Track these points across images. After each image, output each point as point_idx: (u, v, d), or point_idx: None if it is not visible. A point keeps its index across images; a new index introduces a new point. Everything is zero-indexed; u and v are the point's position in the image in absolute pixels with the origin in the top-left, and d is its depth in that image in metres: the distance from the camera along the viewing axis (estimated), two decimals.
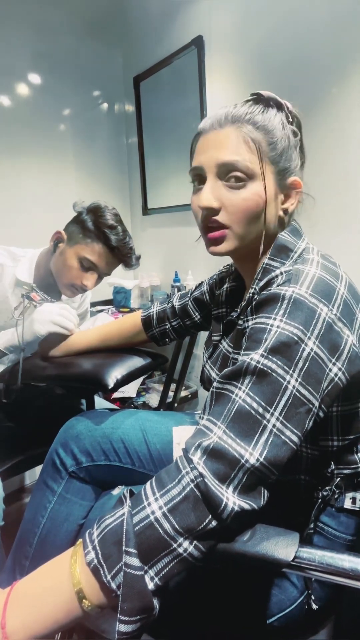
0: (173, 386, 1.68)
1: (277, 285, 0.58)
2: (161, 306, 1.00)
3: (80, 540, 0.49)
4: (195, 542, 0.46)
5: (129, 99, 2.37)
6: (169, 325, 0.98)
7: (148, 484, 0.51)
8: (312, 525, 0.61)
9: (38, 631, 0.45)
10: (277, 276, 0.61)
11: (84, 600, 0.46)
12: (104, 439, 0.84)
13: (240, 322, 0.68)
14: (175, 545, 0.46)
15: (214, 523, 0.47)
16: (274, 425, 0.49)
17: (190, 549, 0.46)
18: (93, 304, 2.06)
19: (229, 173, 0.61)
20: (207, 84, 1.86)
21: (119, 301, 2.21)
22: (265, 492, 0.50)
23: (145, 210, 2.39)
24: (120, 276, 2.13)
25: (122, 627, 0.44)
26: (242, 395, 0.51)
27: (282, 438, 0.49)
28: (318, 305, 0.52)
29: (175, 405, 1.76)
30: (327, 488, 0.62)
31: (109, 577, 0.45)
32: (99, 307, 2.13)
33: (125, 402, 2.03)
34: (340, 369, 0.53)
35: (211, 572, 0.63)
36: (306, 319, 0.52)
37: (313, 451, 0.61)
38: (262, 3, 1.56)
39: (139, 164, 2.36)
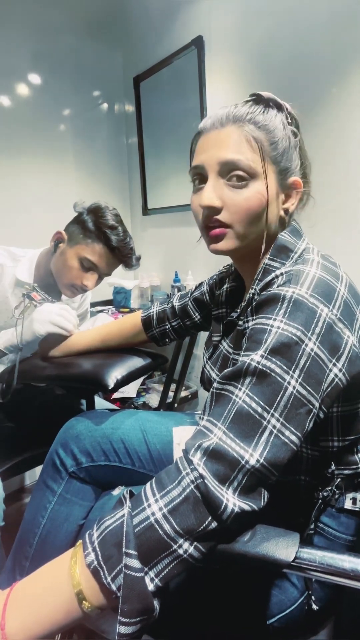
0: (173, 386, 1.68)
1: (278, 286, 0.58)
2: (161, 306, 1.00)
3: (80, 541, 0.49)
4: (195, 543, 0.46)
5: (129, 99, 2.37)
6: (168, 325, 0.98)
7: (148, 485, 0.50)
8: (312, 526, 0.61)
9: (38, 632, 0.45)
10: (277, 277, 0.60)
11: (83, 601, 0.46)
12: (104, 439, 0.84)
13: (240, 322, 0.68)
14: (175, 547, 0.46)
15: (214, 524, 0.47)
16: (274, 426, 0.49)
17: (191, 550, 0.46)
18: (93, 304, 2.06)
19: (230, 172, 0.61)
20: (207, 84, 1.87)
21: (119, 301, 2.21)
22: (266, 493, 0.50)
23: (145, 211, 2.39)
24: (120, 276, 2.13)
25: (123, 629, 0.44)
26: (242, 396, 0.51)
27: (283, 439, 0.49)
28: (318, 306, 0.52)
29: (176, 405, 1.76)
30: (328, 489, 0.62)
31: (109, 579, 0.45)
32: (99, 308, 2.13)
33: (125, 403, 2.03)
34: (340, 370, 0.53)
35: (211, 572, 0.63)
36: (306, 319, 0.51)
37: (313, 452, 0.61)
38: (262, 3, 1.56)
39: (139, 164, 2.36)
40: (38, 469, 0.94)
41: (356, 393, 0.59)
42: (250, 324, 0.58)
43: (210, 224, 0.63)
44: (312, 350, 0.51)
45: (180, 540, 0.46)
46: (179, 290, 2.06)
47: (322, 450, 0.61)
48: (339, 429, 0.60)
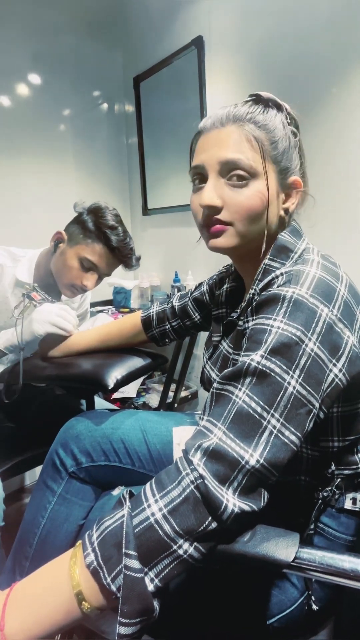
0: (173, 386, 1.68)
1: (278, 286, 0.58)
2: (161, 306, 1.00)
3: (80, 541, 0.49)
4: (195, 543, 0.46)
5: (129, 99, 2.37)
6: (168, 325, 0.98)
7: (148, 485, 0.50)
8: (312, 526, 0.61)
9: (37, 633, 0.45)
10: (277, 277, 0.60)
11: (83, 602, 0.45)
12: (104, 439, 0.84)
13: (240, 322, 0.68)
14: (175, 547, 0.46)
15: (214, 524, 0.47)
16: (274, 427, 0.49)
17: (191, 550, 0.46)
18: (93, 304, 2.06)
19: (231, 171, 0.61)
20: (207, 84, 1.86)
21: (119, 301, 2.21)
22: (266, 493, 0.50)
23: (145, 211, 2.39)
24: (120, 276, 2.13)
25: (122, 630, 0.44)
26: (242, 396, 0.51)
27: (283, 439, 0.49)
28: (318, 306, 0.52)
29: (175, 405, 1.76)
30: (328, 489, 0.62)
31: (108, 580, 0.45)
32: (99, 308, 2.13)
33: (125, 403, 2.03)
34: (340, 370, 0.53)
35: (211, 573, 0.62)
36: (306, 319, 0.51)
37: (313, 452, 0.61)
38: (262, 3, 1.56)
39: (139, 164, 2.36)
40: (38, 469, 0.94)
41: (356, 393, 0.59)
42: (250, 324, 0.58)
43: (211, 224, 0.63)
44: (312, 350, 0.51)
45: (180, 541, 0.46)
46: (179, 291, 2.06)
47: (322, 450, 0.61)
48: (339, 429, 0.60)
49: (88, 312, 1.52)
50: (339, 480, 0.62)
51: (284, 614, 0.61)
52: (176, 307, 0.97)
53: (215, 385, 0.55)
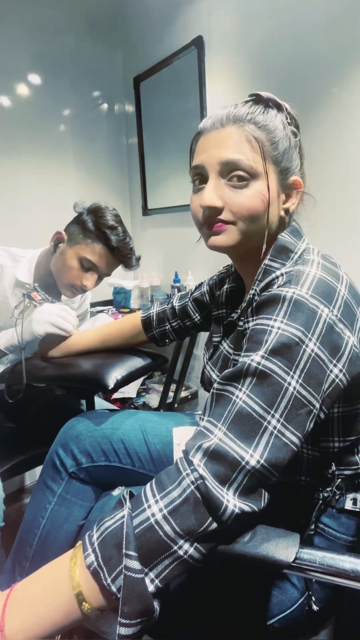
0: (173, 387, 1.68)
1: (278, 287, 0.58)
2: (161, 307, 1.00)
3: (80, 542, 0.49)
4: (195, 544, 0.46)
5: (129, 99, 2.37)
6: (168, 325, 0.98)
7: (148, 485, 0.50)
8: (312, 527, 0.61)
9: (37, 633, 0.45)
10: (277, 277, 0.60)
11: (83, 602, 0.45)
12: (104, 440, 0.84)
13: (240, 323, 0.68)
14: (175, 548, 0.46)
15: (215, 525, 0.47)
16: (274, 427, 0.49)
17: (191, 551, 0.46)
18: (93, 305, 2.06)
19: (231, 172, 0.61)
20: (207, 85, 1.86)
21: (119, 302, 2.21)
22: (266, 494, 0.50)
23: (145, 211, 2.39)
24: (120, 277, 2.13)
25: (123, 630, 0.44)
26: (243, 396, 0.51)
27: (283, 440, 0.49)
28: (319, 307, 0.52)
29: (176, 405, 1.75)
30: (328, 489, 0.62)
31: (109, 580, 0.45)
32: (98, 308, 2.13)
33: (125, 403, 2.03)
34: (341, 370, 0.53)
35: (212, 573, 0.62)
36: (307, 320, 0.51)
37: (314, 452, 0.61)
38: (262, 3, 1.56)
39: (139, 164, 2.36)
40: (38, 469, 0.94)
41: (356, 393, 0.58)
42: (250, 324, 0.58)
43: (212, 223, 0.63)
44: (312, 350, 0.51)
45: (181, 541, 0.46)
46: (179, 291, 2.06)
47: (322, 450, 0.61)
48: (340, 430, 0.60)
49: (88, 312, 1.52)
50: (339, 480, 0.62)
51: (284, 614, 0.61)
52: (176, 307, 0.97)
53: (215, 385, 0.55)
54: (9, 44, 1.90)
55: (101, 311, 2.03)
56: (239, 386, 0.52)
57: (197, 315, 0.95)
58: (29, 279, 1.18)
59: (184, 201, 2.03)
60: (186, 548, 0.46)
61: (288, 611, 0.61)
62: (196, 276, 2.03)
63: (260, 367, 0.51)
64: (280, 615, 0.61)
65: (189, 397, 2.10)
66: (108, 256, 1.13)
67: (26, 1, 1.94)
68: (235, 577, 0.63)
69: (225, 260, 0.81)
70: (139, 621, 0.44)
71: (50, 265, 1.18)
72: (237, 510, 0.47)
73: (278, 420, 0.49)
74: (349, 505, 0.62)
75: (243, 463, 0.48)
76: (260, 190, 0.61)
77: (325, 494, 0.62)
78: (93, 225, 1.10)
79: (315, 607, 0.59)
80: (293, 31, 1.47)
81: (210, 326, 0.85)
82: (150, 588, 0.45)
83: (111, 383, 0.91)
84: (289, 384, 0.50)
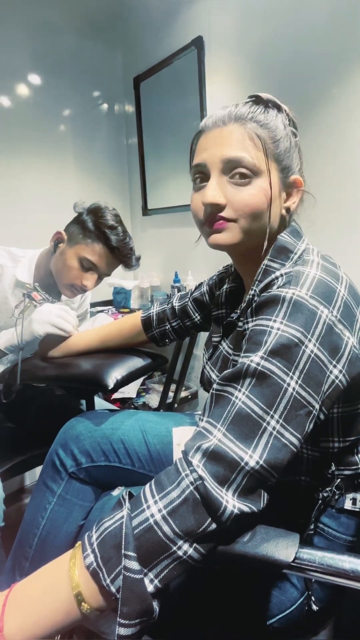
0: (173, 387, 1.68)
1: (277, 287, 0.58)
2: (161, 307, 1.00)
3: (80, 542, 0.49)
4: (194, 544, 0.46)
5: (129, 99, 2.37)
6: (168, 326, 0.98)
7: (147, 486, 0.50)
8: (312, 527, 0.61)
9: (36, 633, 0.45)
10: (277, 278, 0.60)
11: (82, 603, 0.45)
12: (103, 440, 0.84)
13: (240, 323, 0.68)
14: (174, 548, 0.46)
15: (214, 526, 0.47)
16: (274, 428, 0.49)
17: (190, 551, 0.46)
18: (93, 305, 2.06)
19: (234, 169, 0.61)
20: (207, 85, 1.86)
21: (119, 302, 2.21)
22: (265, 494, 0.50)
23: (145, 211, 2.39)
24: (120, 277, 2.13)
25: (122, 631, 0.44)
26: (242, 397, 0.51)
27: (282, 440, 0.49)
28: (318, 307, 0.52)
29: (175, 405, 1.75)
30: (328, 489, 0.62)
31: (108, 581, 0.45)
32: (98, 308, 2.13)
33: (125, 403, 2.03)
34: (340, 371, 0.53)
35: (211, 573, 0.62)
36: (306, 321, 0.51)
37: (313, 452, 0.61)
38: (262, 3, 1.56)
39: (139, 164, 2.36)
40: (38, 470, 0.94)
41: (356, 394, 0.58)
42: (250, 325, 0.58)
43: (214, 220, 0.63)
44: (312, 351, 0.51)
45: (180, 542, 0.46)
46: (178, 291, 2.06)
47: (322, 450, 0.61)
48: (340, 430, 0.60)
49: (88, 313, 1.52)
50: (339, 480, 0.62)
51: (284, 614, 0.61)
52: (176, 307, 0.97)
53: (215, 386, 0.55)
54: (9, 44, 1.90)
55: (101, 311, 2.03)
56: (239, 387, 0.52)
57: (197, 315, 0.95)
58: (29, 279, 1.18)
59: (184, 201, 2.03)
60: (185, 548, 0.46)
61: (288, 611, 0.61)
62: (196, 276, 2.03)
63: (259, 367, 0.50)
64: (280, 615, 0.61)
65: (189, 397, 2.10)
66: (108, 256, 1.13)
67: (26, 1, 1.94)
68: (235, 577, 0.63)
69: (225, 260, 0.81)
70: (138, 621, 0.44)
71: (50, 265, 1.18)
72: (236, 511, 0.46)
73: (277, 421, 0.49)
74: (348, 505, 0.62)
75: (242, 464, 0.48)
76: (263, 187, 0.61)
77: (325, 494, 0.62)
78: (93, 225, 1.10)
79: (315, 607, 0.59)
80: (293, 31, 1.47)
81: (210, 326, 0.85)
82: (150, 588, 0.45)
83: (111, 383, 0.91)
84: (289, 384, 0.50)
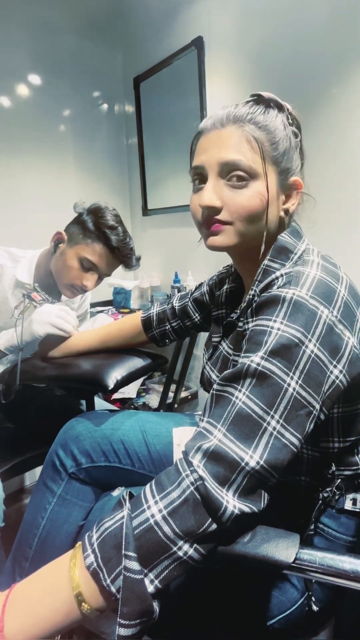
0: (173, 387, 1.68)
1: (278, 287, 0.58)
2: (161, 307, 1.00)
3: (80, 542, 0.49)
4: (195, 545, 0.46)
5: (129, 99, 2.37)
6: (168, 326, 0.98)
7: (147, 486, 0.50)
8: (312, 527, 0.61)
9: (36, 634, 0.45)
10: (277, 278, 0.60)
11: (83, 603, 0.45)
12: (103, 440, 0.84)
13: (240, 323, 0.68)
14: (175, 549, 0.46)
15: (214, 526, 0.47)
16: (274, 428, 0.49)
17: (190, 552, 0.46)
18: (93, 305, 2.06)
19: (231, 172, 0.61)
20: (207, 85, 1.86)
21: (119, 302, 2.21)
22: (266, 495, 0.50)
23: (145, 211, 2.39)
24: (120, 277, 2.13)
25: (122, 631, 0.44)
26: (242, 397, 0.51)
27: (283, 441, 0.49)
28: (318, 307, 0.52)
29: (175, 406, 1.75)
30: (328, 489, 0.62)
31: (108, 581, 0.45)
32: (98, 308, 2.13)
33: (125, 403, 2.03)
34: (341, 371, 0.53)
35: (212, 573, 0.62)
36: (307, 321, 0.51)
37: (314, 452, 0.61)
38: (262, 3, 1.56)
39: (139, 164, 2.36)
40: (38, 470, 0.94)
41: (356, 394, 0.58)
42: (250, 325, 0.58)
43: (210, 223, 0.63)
44: (312, 351, 0.51)
45: (180, 542, 0.46)
46: (178, 291, 2.06)
47: (322, 451, 0.61)
48: (340, 430, 0.60)
49: (88, 313, 1.51)
50: (339, 480, 0.62)
51: (284, 614, 0.61)
52: (176, 307, 0.97)
53: (215, 386, 0.55)
54: (9, 44, 1.90)
55: (101, 311, 2.03)
56: (239, 387, 0.52)
57: (197, 315, 0.95)
58: (29, 280, 1.18)
59: (184, 201, 2.03)
60: (186, 549, 0.46)
61: (288, 612, 0.61)
62: (196, 276, 2.03)
63: (260, 368, 0.50)
64: (280, 616, 0.61)
65: (189, 397, 2.10)
66: (108, 256, 1.13)
67: (26, 1, 1.94)
68: (235, 578, 0.63)
69: (225, 260, 0.81)
70: (138, 622, 0.44)
71: (51, 266, 1.18)
72: (236, 511, 0.46)
73: (278, 421, 0.49)
74: (348, 505, 0.62)
75: (242, 464, 0.48)
76: (260, 190, 0.61)
77: (325, 494, 0.62)
78: (93, 225, 1.10)
79: (315, 608, 0.59)
80: (293, 31, 1.47)
81: (210, 326, 0.85)
82: (150, 589, 0.45)
83: (111, 383, 0.91)
84: (289, 384, 0.50)
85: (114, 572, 0.45)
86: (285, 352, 0.50)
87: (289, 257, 0.63)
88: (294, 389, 0.50)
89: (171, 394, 1.70)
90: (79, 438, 0.84)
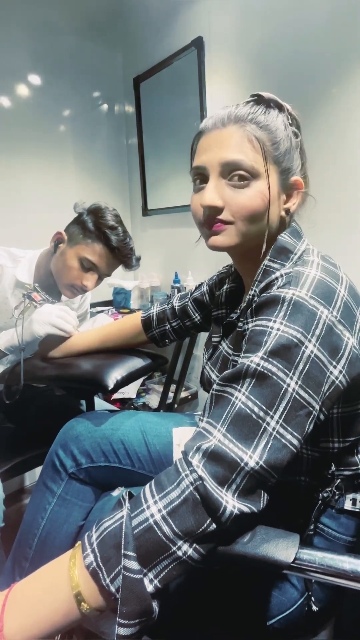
0: (173, 387, 1.68)
1: (277, 288, 0.58)
2: (161, 307, 1.00)
3: (79, 542, 0.49)
4: (194, 545, 0.46)
5: (129, 99, 2.37)
6: (168, 326, 0.98)
7: (147, 486, 0.50)
8: (312, 527, 0.61)
9: (36, 633, 0.45)
10: (277, 278, 0.60)
11: (82, 603, 0.45)
12: (103, 440, 0.84)
13: (240, 324, 0.68)
14: (174, 549, 0.46)
15: (213, 526, 0.47)
16: (273, 428, 0.49)
17: (190, 552, 0.46)
18: (93, 305, 2.06)
19: (232, 172, 0.61)
20: (207, 85, 1.87)
21: (119, 302, 2.21)
22: (265, 495, 0.50)
23: (145, 211, 2.39)
24: (120, 277, 2.13)
25: (122, 631, 0.44)
26: (242, 398, 0.51)
27: (282, 441, 0.49)
28: (318, 308, 0.52)
29: (175, 406, 1.76)
30: (328, 489, 0.62)
31: (107, 581, 0.45)
32: (98, 308, 2.13)
33: (125, 403, 2.03)
34: (340, 372, 0.53)
35: (211, 573, 0.62)
36: (306, 321, 0.51)
37: (313, 453, 0.61)
38: (262, 3, 1.57)
39: (139, 164, 2.36)
40: (38, 470, 0.94)
41: (356, 394, 0.58)
42: (250, 325, 0.58)
43: (212, 223, 0.63)
44: (312, 352, 0.51)
45: (179, 542, 0.46)
46: (178, 291, 2.06)
47: (322, 451, 0.61)
48: (339, 430, 0.60)
49: (88, 313, 1.52)
50: (339, 481, 0.62)
51: (284, 614, 0.61)
52: (176, 307, 0.97)
53: (214, 386, 0.55)
54: (9, 44, 1.90)
55: (101, 311, 2.03)
56: (238, 387, 0.52)
57: (197, 315, 0.95)
58: (29, 280, 1.18)
59: (184, 202, 2.03)
60: (185, 549, 0.46)
61: (288, 612, 0.61)
62: (196, 276, 2.03)
63: (259, 368, 0.50)
64: (280, 616, 0.61)
65: (189, 397, 2.11)
66: (108, 256, 1.13)
67: (26, 1, 1.94)
68: (235, 578, 0.63)
69: (225, 260, 0.81)
70: (137, 621, 0.44)
71: (51, 266, 1.18)
72: (236, 512, 0.46)
73: (277, 422, 0.49)
74: (348, 505, 0.62)
75: (242, 464, 0.48)
76: (261, 190, 0.61)
77: (325, 495, 0.62)
78: (93, 225, 1.10)
79: (315, 608, 0.59)
80: (293, 31, 1.47)
81: (210, 326, 0.85)
82: (149, 588, 0.45)
83: (111, 383, 0.91)
84: (288, 385, 0.50)
85: (114, 572, 0.45)
86: (285, 352, 0.50)
87: (289, 257, 0.63)
88: (293, 389, 0.50)
89: (171, 394, 1.70)
90: (78, 438, 0.84)
